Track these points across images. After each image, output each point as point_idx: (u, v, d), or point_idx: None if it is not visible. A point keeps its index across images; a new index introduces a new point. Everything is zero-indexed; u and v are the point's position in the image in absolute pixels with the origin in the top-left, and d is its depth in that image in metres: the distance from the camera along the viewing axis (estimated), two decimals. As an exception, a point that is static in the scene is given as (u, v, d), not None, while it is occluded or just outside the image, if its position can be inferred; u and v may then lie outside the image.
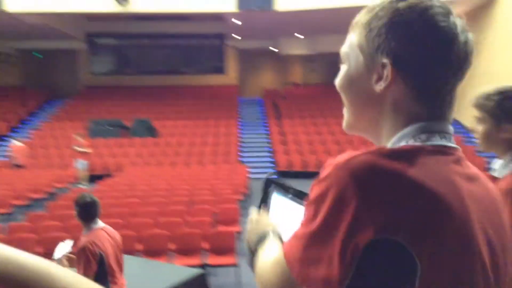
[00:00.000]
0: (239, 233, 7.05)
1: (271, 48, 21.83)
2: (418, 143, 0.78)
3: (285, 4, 15.50)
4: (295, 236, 0.78)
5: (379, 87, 0.80)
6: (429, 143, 0.78)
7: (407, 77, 0.79)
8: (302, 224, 0.76)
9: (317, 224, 0.72)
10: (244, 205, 9.83)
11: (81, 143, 12.31)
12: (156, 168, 12.51)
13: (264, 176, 1.33)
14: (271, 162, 15.23)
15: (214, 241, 6.17)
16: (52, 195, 10.32)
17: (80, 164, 12.10)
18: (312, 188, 0.76)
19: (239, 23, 17.37)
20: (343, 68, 0.87)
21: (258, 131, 17.39)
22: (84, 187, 11.33)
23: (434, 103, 0.80)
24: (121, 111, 17.38)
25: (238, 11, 15.72)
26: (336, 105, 16.29)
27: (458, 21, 0.80)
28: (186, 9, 16.10)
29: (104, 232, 3.39)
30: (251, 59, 23.34)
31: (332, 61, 20.58)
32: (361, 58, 0.83)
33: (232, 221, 7.36)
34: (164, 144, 15.05)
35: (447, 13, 0.79)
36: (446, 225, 0.71)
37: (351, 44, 0.86)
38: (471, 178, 0.79)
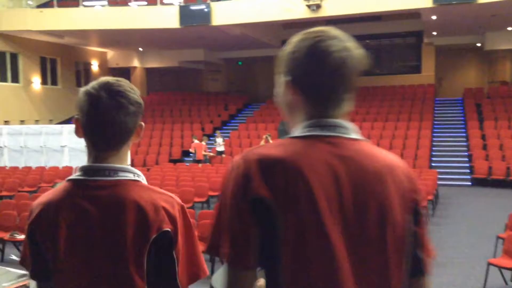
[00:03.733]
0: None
1: (478, 44, 19.69)
2: (303, 134, 1.12)
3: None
4: None
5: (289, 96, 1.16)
6: (309, 133, 1.11)
7: (301, 89, 1.13)
8: None
9: None
10: (428, 212, 9.09)
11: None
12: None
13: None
14: (467, 168, 13.75)
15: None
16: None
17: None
18: None
19: (434, 18, 16.13)
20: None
21: (456, 134, 15.87)
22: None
23: (321, 106, 1.12)
24: (311, 113, 17.90)
25: (434, 5, 14.65)
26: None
27: (336, 43, 1.11)
28: (378, 9, 15.69)
29: None
30: (451, 57, 21.46)
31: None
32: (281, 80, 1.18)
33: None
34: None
35: (326, 39, 1.11)
36: (293, 184, 1.04)
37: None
38: (342, 157, 1.09)
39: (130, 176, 1.30)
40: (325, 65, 1.10)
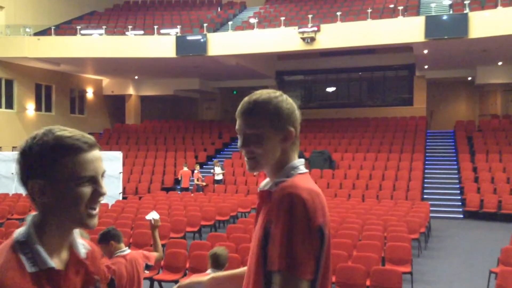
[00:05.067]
0: (408, 273, 6.49)
1: (468, 77, 20.04)
2: (300, 172, 1.45)
3: (481, 31, 14.14)
4: None
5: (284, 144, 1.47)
6: (301, 171, 1.46)
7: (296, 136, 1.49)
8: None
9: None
10: (421, 245, 9.05)
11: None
12: (329, 200, 12.42)
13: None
14: (459, 200, 13.77)
15: (379, 279, 5.79)
16: (234, 218, 11.12)
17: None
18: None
19: (426, 52, 16.45)
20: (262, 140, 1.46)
21: (447, 166, 15.96)
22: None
23: (297, 149, 1.51)
24: (303, 143, 17.96)
25: (426, 40, 14.97)
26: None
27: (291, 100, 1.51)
28: (371, 43, 15.99)
29: (123, 258, 3.69)
30: (442, 90, 21.79)
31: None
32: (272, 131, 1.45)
33: (402, 261, 6.81)
34: (341, 176, 14.95)
35: (286, 97, 1.50)
36: (325, 212, 1.40)
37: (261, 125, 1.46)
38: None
39: None
40: (298, 115, 1.49)
